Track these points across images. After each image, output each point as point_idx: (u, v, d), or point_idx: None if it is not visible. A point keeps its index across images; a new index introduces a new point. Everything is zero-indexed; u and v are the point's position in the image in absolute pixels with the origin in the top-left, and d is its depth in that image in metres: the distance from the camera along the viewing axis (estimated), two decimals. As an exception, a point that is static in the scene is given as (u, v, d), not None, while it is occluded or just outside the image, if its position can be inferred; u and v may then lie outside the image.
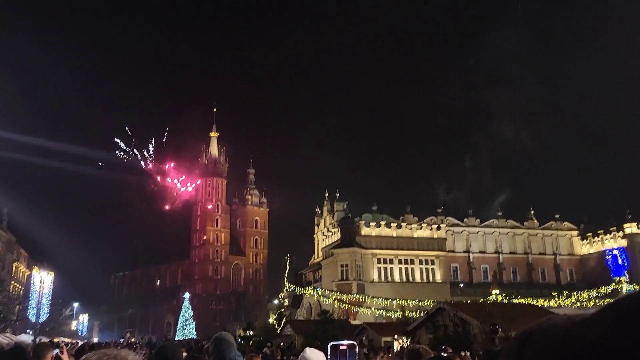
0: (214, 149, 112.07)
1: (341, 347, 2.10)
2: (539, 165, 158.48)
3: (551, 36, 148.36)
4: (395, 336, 30.98)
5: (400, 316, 38.22)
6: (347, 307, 51.82)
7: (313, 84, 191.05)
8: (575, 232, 67.08)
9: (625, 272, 57.51)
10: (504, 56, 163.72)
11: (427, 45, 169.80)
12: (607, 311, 0.48)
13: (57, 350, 5.69)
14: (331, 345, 2.11)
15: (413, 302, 48.02)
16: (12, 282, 68.71)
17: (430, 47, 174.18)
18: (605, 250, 61.78)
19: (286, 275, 72.36)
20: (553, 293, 56.54)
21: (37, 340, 36.38)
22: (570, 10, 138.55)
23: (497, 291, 50.73)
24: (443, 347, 13.53)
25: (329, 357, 2.09)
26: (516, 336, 0.55)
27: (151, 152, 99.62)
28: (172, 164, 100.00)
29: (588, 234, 65.74)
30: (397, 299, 49.23)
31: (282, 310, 65.85)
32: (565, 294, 54.78)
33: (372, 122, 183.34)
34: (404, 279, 58.74)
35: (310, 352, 5.45)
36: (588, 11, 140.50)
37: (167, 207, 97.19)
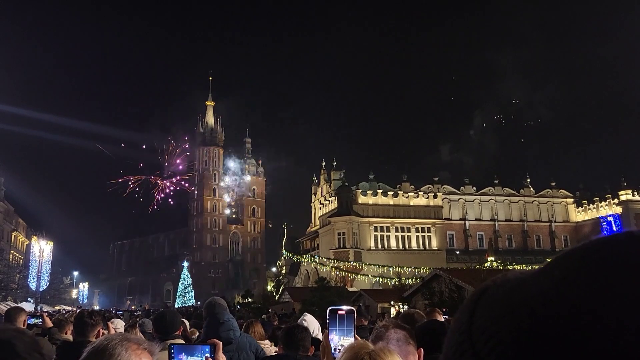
0: (210, 118, 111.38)
1: (339, 312, 2.10)
2: (535, 132, 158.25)
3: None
4: (392, 302, 31.42)
5: (397, 283, 38.64)
6: (344, 275, 52.40)
7: (309, 52, 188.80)
8: (571, 200, 67.49)
9: (619, 238, 58.05)
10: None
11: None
12: (554, 264, 0.48)
13: (39, 320, 5.77)
14: (330, 310, 2.11)
15: (409, 269, 48.53)
16: (12, 251, 69.11)
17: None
18: (600, 218, 62.28)
19: (284, 243, 72.94)
20: (548, 259, 55.79)
21: (39, 308, 36.87)
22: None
23: (493, 258, 51.33)
24: (444, 310, 13.73)
25: (327, 321, 2.11)
26: (473, 292, 0.55)
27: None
28: None
29: (583, 202, 66.16)
30: (394, 266, 49.70)
31: (280, 277, 66.64)
32: (559, 261, 55.36)
33: (370, 90, 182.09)
34: (401, 246, 59.28)
35: (309, 317, 5.79)
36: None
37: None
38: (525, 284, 0.49)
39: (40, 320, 5.78)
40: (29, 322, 5.32)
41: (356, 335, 2.08)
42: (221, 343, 1.96)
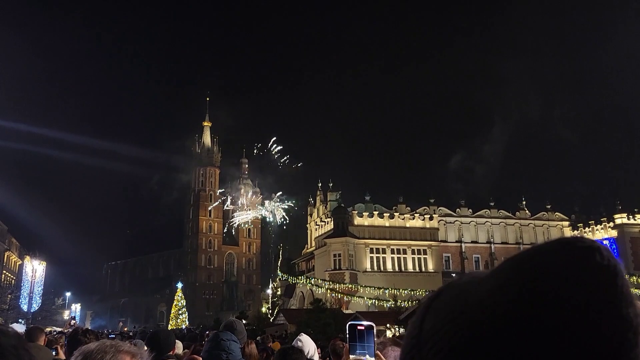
0: (206, 138, 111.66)
1: (359, 328, 2.08)
2: (531, 155, 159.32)
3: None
4: (387, 325, 31.16)
5: (393, 305, 38.44)
6: (339, 297, 52.02)
7: (306, 73, 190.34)
8: (567, 223, 67.56)
9: (615, 262, 58.00)
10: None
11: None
12: (498, 270, 0.49)
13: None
14: (349, 325, 2.09)
15: (405, 292, 48.27)
16: (4, 271, 68.43)
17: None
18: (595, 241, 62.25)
19: (279, 264, 72.49)
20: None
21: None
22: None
23: (489, 281, 51.14)
24: None
25: (347, 336, 2.09)
26: (428, 295, 0.55)
27: None
28: None
29: (579, 225, 66.20)
30: (390, 289, 49.46)
31: (275, 299, 66.06)
32: (555, 284, 55.21)
33: (366, 111, 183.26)
34: (397, 268, 58.98)
35: (305, 337, 5.72)
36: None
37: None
38: (471, 288, 0.49)
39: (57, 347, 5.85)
40: None
41: (377, 352, 2.03)
42: (200, 359, 1.94)
